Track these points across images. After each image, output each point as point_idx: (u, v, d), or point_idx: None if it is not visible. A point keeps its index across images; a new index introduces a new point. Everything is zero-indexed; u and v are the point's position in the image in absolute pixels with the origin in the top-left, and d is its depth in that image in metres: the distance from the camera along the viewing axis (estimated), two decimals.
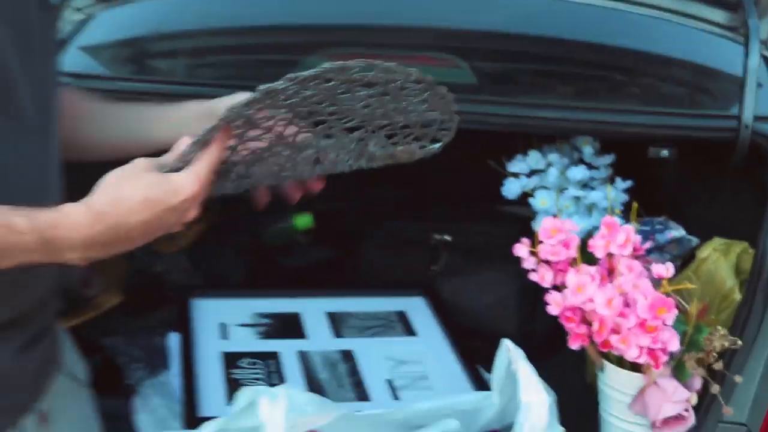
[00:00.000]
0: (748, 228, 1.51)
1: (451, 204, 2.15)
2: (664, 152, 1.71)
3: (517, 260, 1.89)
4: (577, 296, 1.29)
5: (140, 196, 0.98)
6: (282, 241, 2.23)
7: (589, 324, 1.32)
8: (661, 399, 1.29)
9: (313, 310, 1.88)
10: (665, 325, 1.26)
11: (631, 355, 1.26)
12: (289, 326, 1.81)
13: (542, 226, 1.37)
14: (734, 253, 1.59)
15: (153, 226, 1.00)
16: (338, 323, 1.83)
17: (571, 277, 1.31)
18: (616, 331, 1.28)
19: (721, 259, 1.59)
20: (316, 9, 1.87)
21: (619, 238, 1.33)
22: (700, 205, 1.87)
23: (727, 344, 1.29)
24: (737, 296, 1.51)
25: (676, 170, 1.93)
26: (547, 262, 1.37)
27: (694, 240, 1.76)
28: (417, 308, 1.93)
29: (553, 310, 1.34)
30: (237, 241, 2.17)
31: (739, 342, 1.30)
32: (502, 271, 1.97)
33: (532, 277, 1.38)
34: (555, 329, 1.38)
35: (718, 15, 1.85)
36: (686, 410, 1.31)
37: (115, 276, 1.92)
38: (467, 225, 2.12)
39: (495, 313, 1.95)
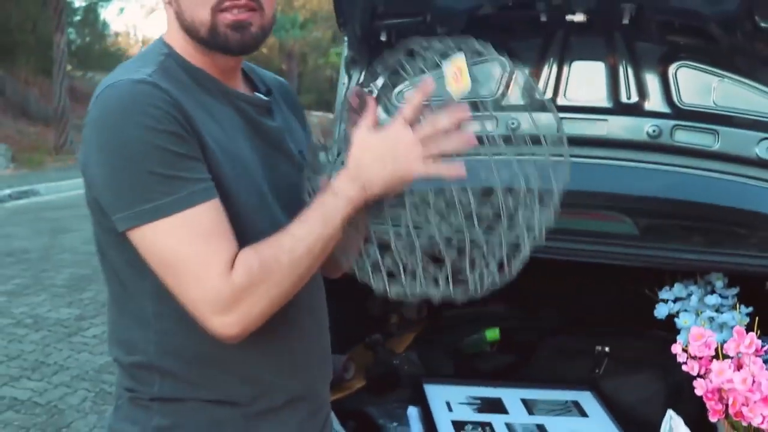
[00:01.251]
0: None
1: (611, 322, 2.78)
2: None
3: (664, 365, 2.51)
4: (719, 378, 1.90)
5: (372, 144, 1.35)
6: (475, 349, 2.90)
7: (724, 402, 1.91)
8: None
9: (509, 395, 2.51)
10: None
11: (757, 421, 1.84)
12: (494, 405, 2.44)
13: (691, 332, 1.99)
14: None
15: (388, 156, 1.32)
16: (530, 405, 2.46)
17: (715, 365, 1.92)
18: (745, 404, 1.87)
19: None
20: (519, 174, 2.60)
21: (746, 341, 1.94)
22: None
23: None
24: None
25: None
26: (694, 358, 1.98)
27: None
28: (587, 399, 2.54)
29: (698, 391, 1.94)
30: (444, 347, 2.85)
31: None
32: (651, 375, 2.59)
33: (685, 368, 1.98)
34: (696, 418, 1.94)
35: None
36: None
37: (363, 366, 2.61)
38: (624, 339, 2.73)
39: (648, 405, 2.53)
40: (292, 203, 1.46)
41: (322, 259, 1.37)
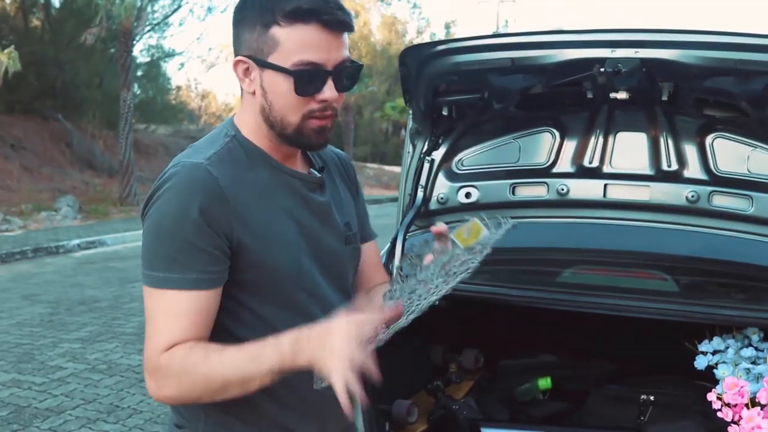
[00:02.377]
0: None
1: (655, 373, 2.98)
2: None
3: (704, 413, 2.70)
4: (748, 424, 2.09)
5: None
6: (529, 397, 3.11)
7: None
8: None
9: None
10: None
11: None
12: None
13: (726, 381, 2.19)
14: None
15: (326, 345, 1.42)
16: None
17: (745, 412, 2.12)
18: None
19: None
20: (570, 237, 2.86)
21: None
22: None
23: None
24: None
25: None
26: (728, 405, 2.17)
27: None
28: None
29: None
30: (500, 395, 3.07)
31: None
32: (693, 421, 2.78)
33: (719, 415, 2.17)
34: None
35: None
36: None
37: (425, 410, 2.85)
38: (667, 388, 2.92)
39: None
40: (332, 268, 1.74)
41: (239, 388, 1.52)
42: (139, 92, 24.70)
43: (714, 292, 2.69)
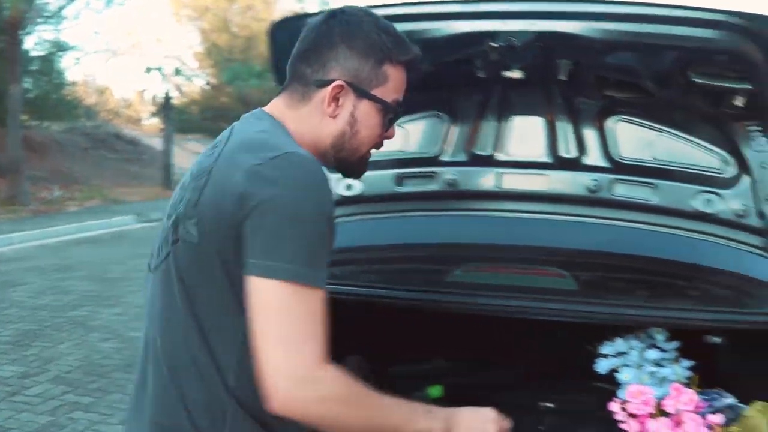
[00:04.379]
0: None
1: (554, 378, 2.76)
2: (716, 339, 2.31)
3: (606, 420, 2.49)
4: None
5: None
6: None
7: None
8: None
9: None
10: None
11: None
12: None
13: (629, 389, 1.97)
14: None
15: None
16: None
17: (651, 424, 1.90)
18: None
19: (762, 418, 2.14)
20: (461, 231, 2.60)
21: (684, 398, 1.92)
22: (747, 372, 2.43)
23: None
24: None
25: (728, 351, 2.51)
26: (633, 415, 1.96)
27: (743, 406, 2.32)
28: None
29: None
30: None
31: None
32: (597, 428, 2.56)
33: (623, 426, 1.96)
34: None
35: (755, 239, 2.47)
36: None
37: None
38: (566, 395, 2.71)
39: None
40: None
41: None
42: (32, 87, 23.74)
43: (616, 290, 2.49)
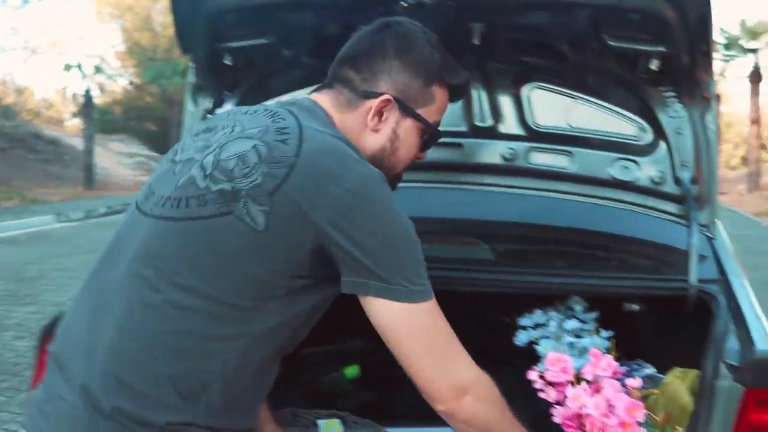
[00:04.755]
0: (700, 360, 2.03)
1: (473, 352, 2.68)
2: (635, 307, 2.27)
3: (525, 395, 2.43)
4: (574, 403, 1.82)
5: None
6: (334, 389, 2.75)
7: (584, 429, 1.83)
8: None
9: None
10: (639, 424, 1.78)
11: None
12: None
13: (548, 358, 1.91)
14: (689, 378, 2.10)
15: None
16: None
17: (570, 390, 1.84)
18: (602, 430, 1.79)
19: (680, 384, 2.10)
20: None
21: (603, 363, 1.86)
22: (665, 341, 2.40)
23: None
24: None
25: (646, 320, 2.47)
26: (552, 384, 1.89)
27: (662, 377, 2.28)
28: None
29: (557, 419, 1.86)
30: (301, 388, 2.69)
31: None
32: (514, 404, 2.49)
33: (542, 395, 1.89)
34: None
35: (671, 207, 2.44)
36: None
37: None
38: (485, 370, 2.63)
39: None
40: None
41: None
42: None
43: (533, 259, 2.43)
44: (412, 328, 1.47)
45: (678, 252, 2.28)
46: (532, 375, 1.90)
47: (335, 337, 2.81)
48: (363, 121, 1.62)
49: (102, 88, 29.40)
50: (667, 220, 2.43)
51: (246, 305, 1.44)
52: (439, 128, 1.73)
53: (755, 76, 27.24)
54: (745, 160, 31.71)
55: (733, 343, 1.94)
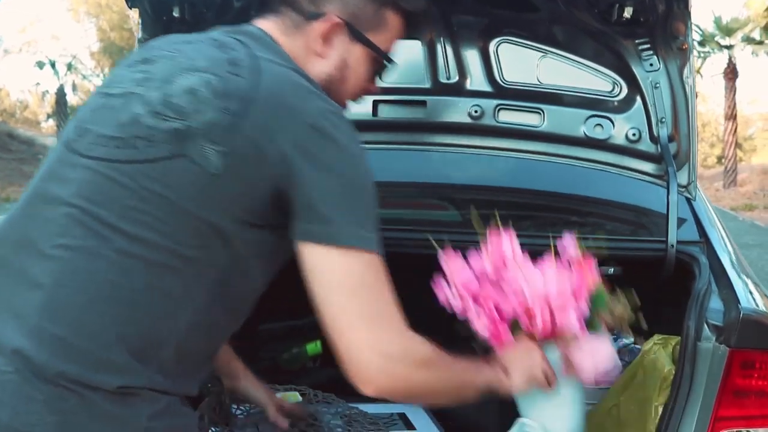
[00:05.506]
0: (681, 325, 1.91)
1: (437, 325, 2.53)
2: (611, 270, 2.13)
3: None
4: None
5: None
6: (295, 365, 2.60)
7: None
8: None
9: (327, 410, 2.22)
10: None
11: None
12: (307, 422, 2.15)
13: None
14: (670, 345, 1.98)
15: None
16: (351, 421, 2.18)
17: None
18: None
19: (660, 350, 1.97)
20: None
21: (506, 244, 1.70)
22: (645, 309, 2.27)
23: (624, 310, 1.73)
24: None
25: (624, 288, 2.34)
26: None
27: (639, 348, 2.15)
28: (414, 411, 2.28)
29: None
30: (260, 364, 2.54)
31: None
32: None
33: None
34: None
35: (648, 167, 2.31)
36: None
37: None
38: (452, 343, 2.49)
39: (480, 415, 2.30)
40: None
41: (454, 397, 1.53)
42: None
43: (502, 222, 2.28)
44: (348, 278, 1.31)
45: (656, 214, 2.17)
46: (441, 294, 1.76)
47: (297, 312, 2.65)
48: (309, 46, 1.48)
49: (75, 87, 29.11)
50: (644, 180, 2.30)
51: (198, 256, 1.31)
52: (391, 59, 1.58)
53: (730, 73, 27.35)
54: (720, 159, 31.89)
55: (716, 303, 1.83)
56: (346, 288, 1.30)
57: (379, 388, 1.35)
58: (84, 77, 30.06)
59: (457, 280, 1.67)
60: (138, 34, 2.45)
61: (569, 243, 1.71)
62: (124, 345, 1.28)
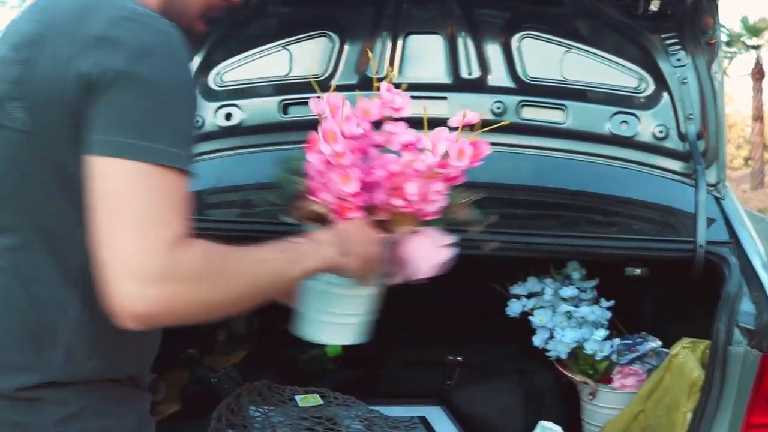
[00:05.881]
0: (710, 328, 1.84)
1: (462, 327, 2.49)
2: (637, 271, 2.07)
3: (521, 371, 2.24)
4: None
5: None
6: (314, 366, 2.55)
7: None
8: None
9: (346, 413, 2.17)
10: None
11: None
12: (327, 425, 2.10)
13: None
14: (700, 349, 1.91)
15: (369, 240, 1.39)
16: (369, 424, 2.13)
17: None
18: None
19: (689, 354, 1.91)
20: None
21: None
22: (672, 312, 2.21)
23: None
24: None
25: (651, 289, 2.28)
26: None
27: (667, 351, 2.08)
28: (436, 414, 2.24)
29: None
30: (279, 364, 2.50)
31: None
32: (507, 382, 2.31)
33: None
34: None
35: (676, 165, 2.24)
36: None
37: (176, 385, 2.24)
38: (476, 346, 2.45)
39: (505, 416, 2.25)
40: None
41: (268, 291, 1.27)
42: None
43: (525, 221, 2.24)
44: (115, 187, 1.13)
45: (684, 213, 2.10)
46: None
47: None
48: None
49: None
50: (672, 178, 2.23)
51: (52, 227, 1.22)
52: None
53: (758, 73, 27.00)
54: (747, 161, 31.51)
55: (747, 306, 1.77)
56: (121, 195, 1.13)
57: (132, 313, 1.12)
58: None
59: (343, 128, 1.42)
60: None
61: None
62: (16, 340, 1.21)
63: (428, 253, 1.47)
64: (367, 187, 1.43)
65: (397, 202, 1.43)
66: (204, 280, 1.16)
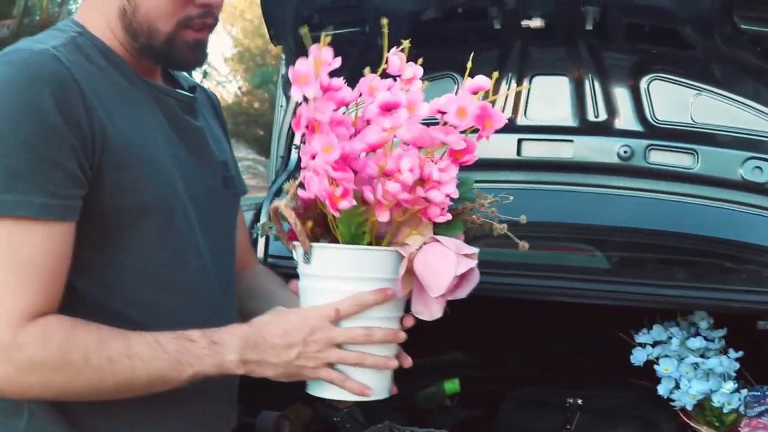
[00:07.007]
0: None
1: (584, 370, 2.46)
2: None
3: (643, 419, 2.20)
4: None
5: (286, 320, 1.24)
6: (432, 403, 2.56)
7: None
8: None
9: None
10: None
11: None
12: None
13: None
14: None
15: (291, 344, 1.22)
16: None
17: None
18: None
19: None
20: None
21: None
22: None
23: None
24: None
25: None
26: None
27: None
28: None
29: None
30: (396, 402, 2.52)
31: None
32: (629, 429, 2.27)
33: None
34: None
35: None
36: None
37: (300, 424, 2.29)
38: (598, 390, 2.41)
39: None
40: (207, 213, 1.37)
41: (143, 390, 1.19)
42: None
43: (652, 269, 2.19)
44: None
45: None
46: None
47: (435, 348, 2.62)
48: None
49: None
50: None
51: None
52: None
53: None
54: None
55: None
56: None
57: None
58: (218, 83, 30.89)
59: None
60: (282, 70, 2.48)
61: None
62: None
63: (447, 266, 1.26)
64: (352, 164, 1.23)
65: (392, 187, 1.19)
66: (49, 371, 1.11)
